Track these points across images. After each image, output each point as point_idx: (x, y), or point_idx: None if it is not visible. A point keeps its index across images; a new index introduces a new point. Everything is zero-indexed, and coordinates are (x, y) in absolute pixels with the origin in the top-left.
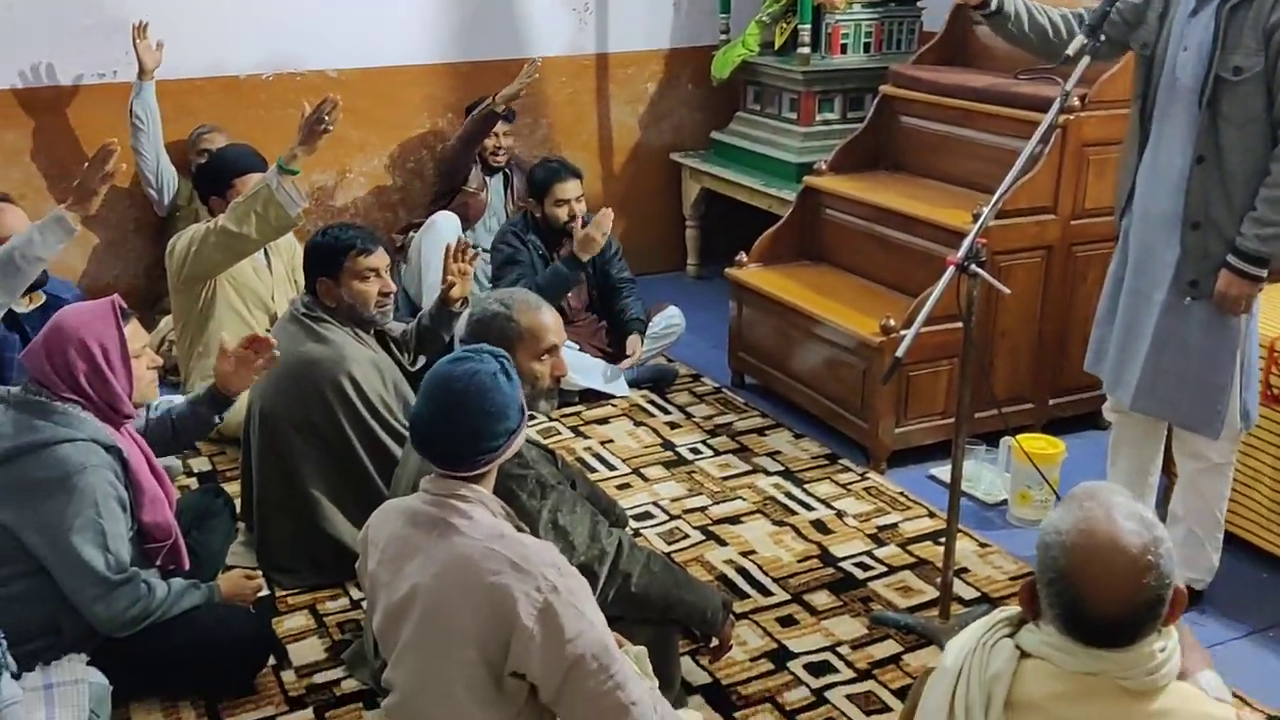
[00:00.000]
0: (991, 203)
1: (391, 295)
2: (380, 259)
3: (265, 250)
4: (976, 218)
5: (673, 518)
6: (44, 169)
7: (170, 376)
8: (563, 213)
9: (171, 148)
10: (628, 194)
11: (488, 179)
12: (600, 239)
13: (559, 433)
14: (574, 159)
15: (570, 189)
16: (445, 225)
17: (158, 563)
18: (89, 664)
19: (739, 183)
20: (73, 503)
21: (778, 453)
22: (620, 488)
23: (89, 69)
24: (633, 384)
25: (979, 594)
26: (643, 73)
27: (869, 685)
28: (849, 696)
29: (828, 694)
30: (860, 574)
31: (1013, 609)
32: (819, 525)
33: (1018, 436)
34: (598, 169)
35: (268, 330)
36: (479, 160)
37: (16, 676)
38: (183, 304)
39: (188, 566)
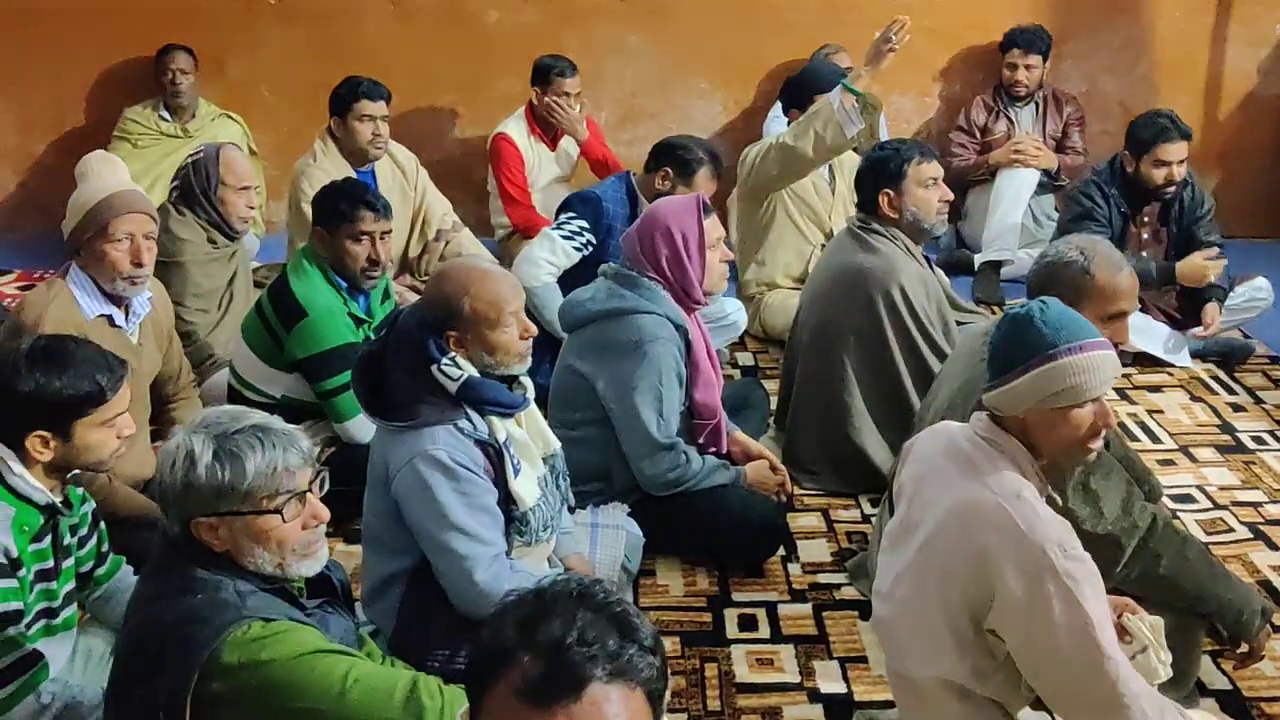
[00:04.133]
0: None
1: (947, 204)
2: (935, 168)
3: (830, 168)
4: None
5: (1218, 507)
6: None
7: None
8: (1160, 175)
9: None
10: (1230, 147)
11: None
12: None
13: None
14: (1172, 102)
15: (1175, 151)
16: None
17: (700, 439)
18: (629, 514)
19: None
20: (641, 366)
21: None
22: (1162, 463)
23: None
24: (1197, 355)
25: None
26: (1271, 14)
27: None
28: None
29: None
30: None
31: None
32: None
33: None
34: (1199, 115)
35: (823, 245)
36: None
37: (571, 510)
38: (746, 212)
39: (725, 449)
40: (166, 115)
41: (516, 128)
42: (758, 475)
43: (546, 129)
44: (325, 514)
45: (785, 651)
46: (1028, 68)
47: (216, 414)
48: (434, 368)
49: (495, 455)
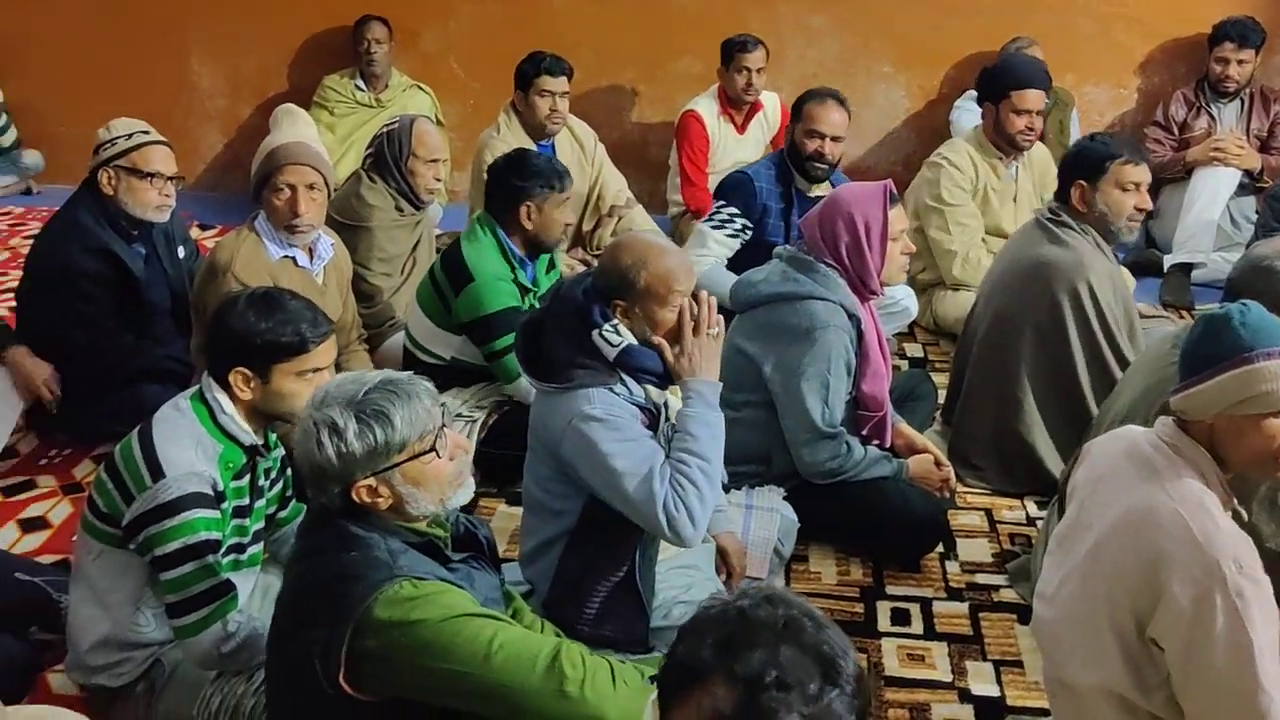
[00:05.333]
0: None
1: (1142, 213)
2: (1142, 173)
3: (1016, 167)
4: None
5: None
6: None
7: None
8: None
9: None
10: None
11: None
12: None
13: None
14: None
15: None
16: None
17: (864, 431)
18: (785, 499)
19: None
20: (810, 352)
21: None
22: None
23: None
24: None
25: None
26: None
27: None
28: None
29: None
30: None
31: None
32: None
33: None
34: None
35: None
36: None
37: (726, 490)
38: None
39: (889, 442)
40: (362, 84)
41: (707, 107)
42: (921, 469)
43: (738, 111)
44: (465, 441)
45: (938, 649)
46: (1240, 63)
47: (332, 387)
48: (595, 333)
49: (652, 417)
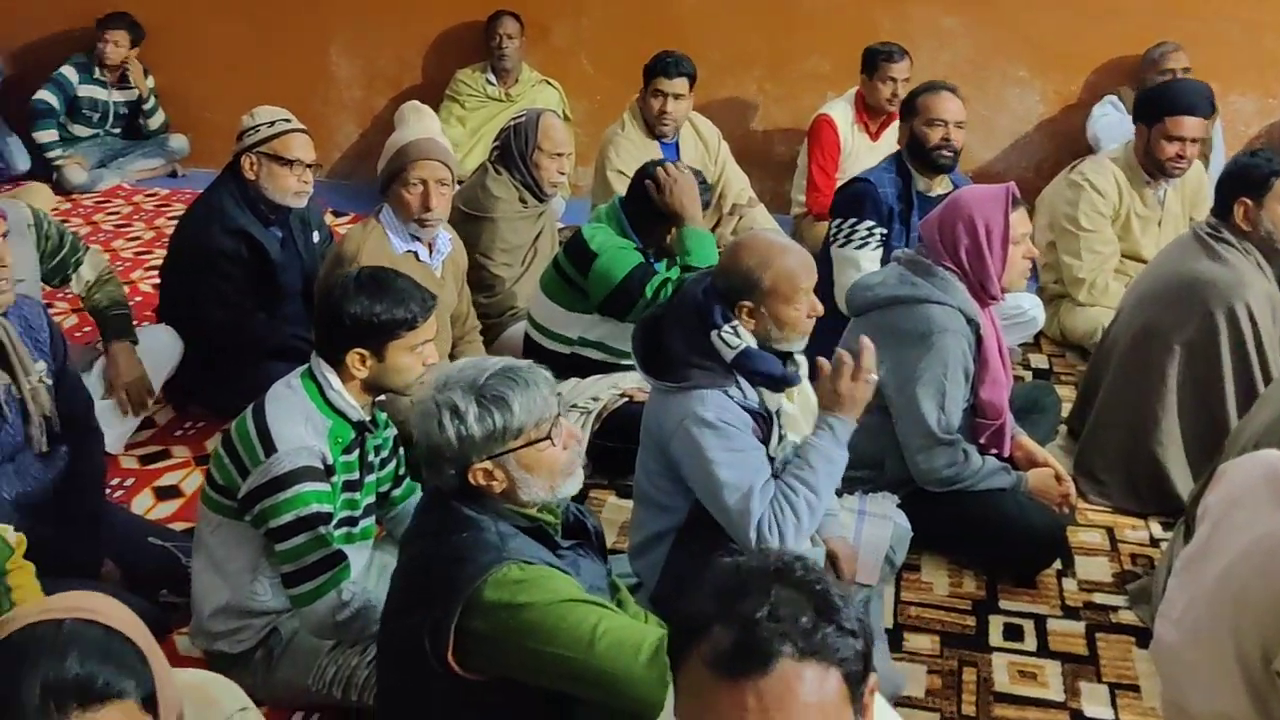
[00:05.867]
0: None
1: None
2: None
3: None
4: None
5: None
6: None
7: None
8: None
9: None
10: None
11: None
12: None
13: None
14: None
15: None
16: None
17: (981, 439)
18: (898, 506)
19: None
20: (926, 357)
21: None
22: None
23: None
24: None
25: None
26: None
27: None
28: None
29: None
30: None
31: None
32: None
33: None
34: None
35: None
36: None
37: (838, 495)
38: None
39: (1008, 452)
40: (492, 79)
41: (842, 112)
42: (1040, 483)
43: (873, 119)
44: (579, 431)
45: (1050, 667)
46: None
47: (454, 371)
48: (714, 334)
49: (764, 423)
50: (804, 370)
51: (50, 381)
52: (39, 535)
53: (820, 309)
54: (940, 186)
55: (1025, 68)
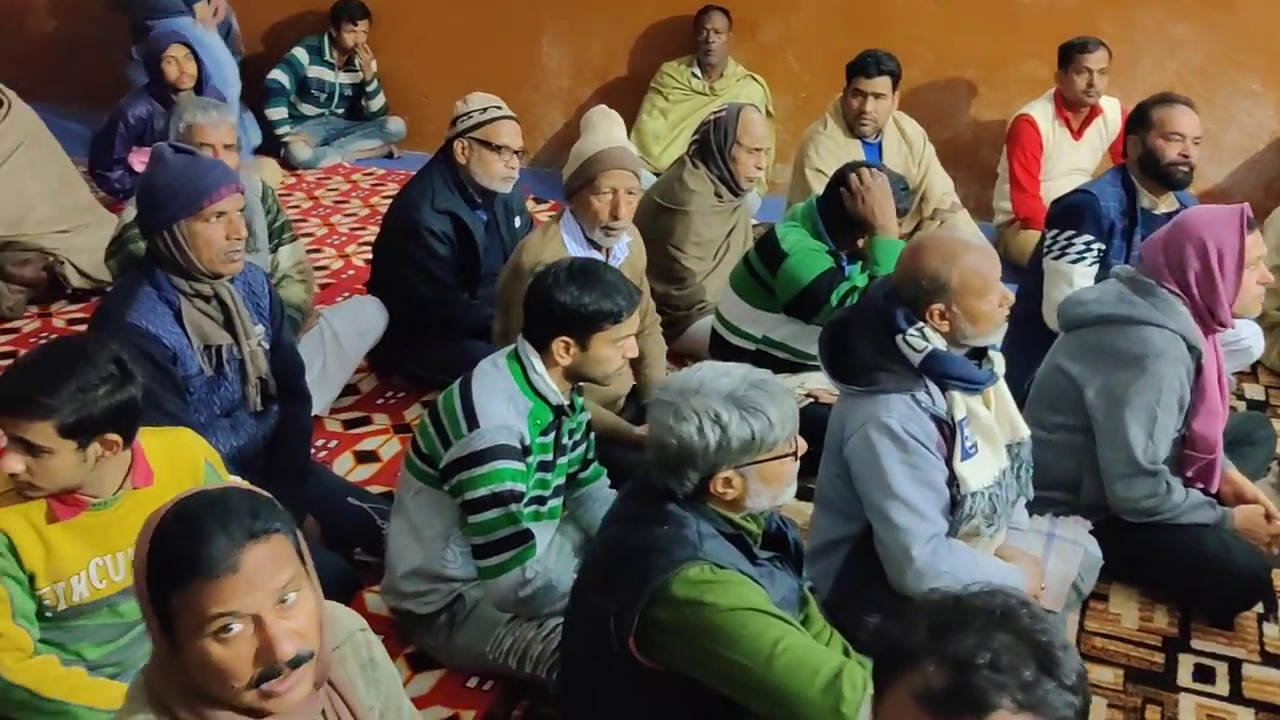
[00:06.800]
0: None
1: None
2: None
3: None
4: None
5: None
6: None
7: None
8: None
9: None
10: None
11: None
12: None
13: None
14: None
15: None
16: None
17: (1189, 473)
18: (1090, 532)
19: None
20: (1139, 381)
21: None
22: None
23: None
24: None
25: None
26: None
27: None
28: None
29: None
30: None
31: None
32: None
33: None
34: None
35: None
36: None
37: (1029, 515)
38: None
39: (1215, 488)
40: (698, 72)
41: (1042, 110)
42: (1247, 521)
43: (1075, 115)
44: (804, 445)
45: (1243, 715)
46: None
47: (706, 380)
48: (900, 337)
49: (949, 432)
50: (1000, 368)
51: (267, 345)
52: None
53: (1012, 298)
54: (1167, 204)
55: (1259, 80)
